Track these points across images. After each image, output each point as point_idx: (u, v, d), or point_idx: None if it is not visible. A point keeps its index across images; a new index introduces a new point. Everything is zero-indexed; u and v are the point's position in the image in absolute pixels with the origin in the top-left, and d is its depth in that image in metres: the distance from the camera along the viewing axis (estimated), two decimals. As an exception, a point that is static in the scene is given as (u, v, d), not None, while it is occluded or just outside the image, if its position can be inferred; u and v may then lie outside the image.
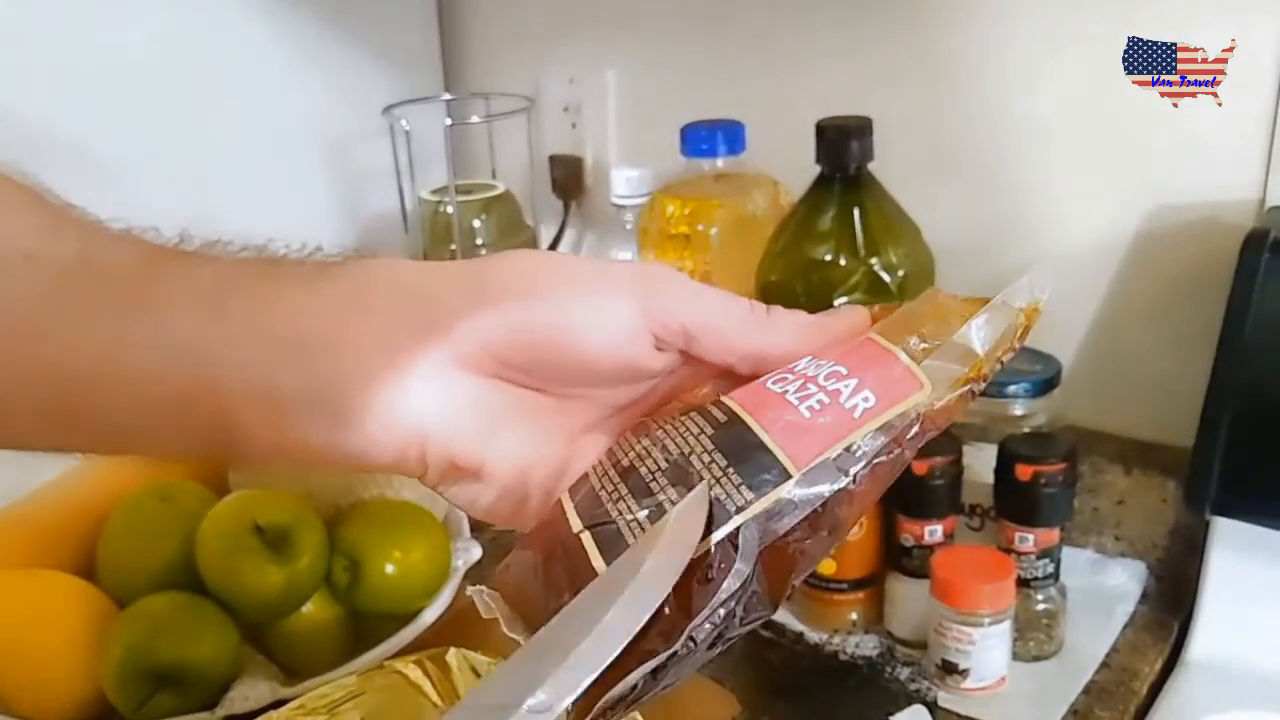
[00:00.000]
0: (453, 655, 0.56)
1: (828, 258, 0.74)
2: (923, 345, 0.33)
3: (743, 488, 0.31)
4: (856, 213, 0.74)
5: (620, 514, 0.32)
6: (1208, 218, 0.75)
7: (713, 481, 0.31)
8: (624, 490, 0.33)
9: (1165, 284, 0.78)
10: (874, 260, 0.74)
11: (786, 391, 0.32)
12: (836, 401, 0.32)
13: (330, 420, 0.32)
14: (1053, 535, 0.71)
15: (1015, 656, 0.71)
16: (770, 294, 0.75)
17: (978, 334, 0.33)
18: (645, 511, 0.31)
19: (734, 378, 0.35)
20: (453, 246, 0.98)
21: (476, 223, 0.99)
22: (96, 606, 0.67)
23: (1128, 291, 0.80)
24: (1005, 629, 0.69)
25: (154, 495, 0.71)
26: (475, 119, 1.06)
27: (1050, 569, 0.72)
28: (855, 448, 0.31)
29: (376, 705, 0.55)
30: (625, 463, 0.34)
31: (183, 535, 0.68)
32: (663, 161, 0.90)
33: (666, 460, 0.33)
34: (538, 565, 0.33)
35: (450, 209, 0.97)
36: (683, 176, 0.87)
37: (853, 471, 0.31)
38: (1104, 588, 0.79)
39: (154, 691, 0.62)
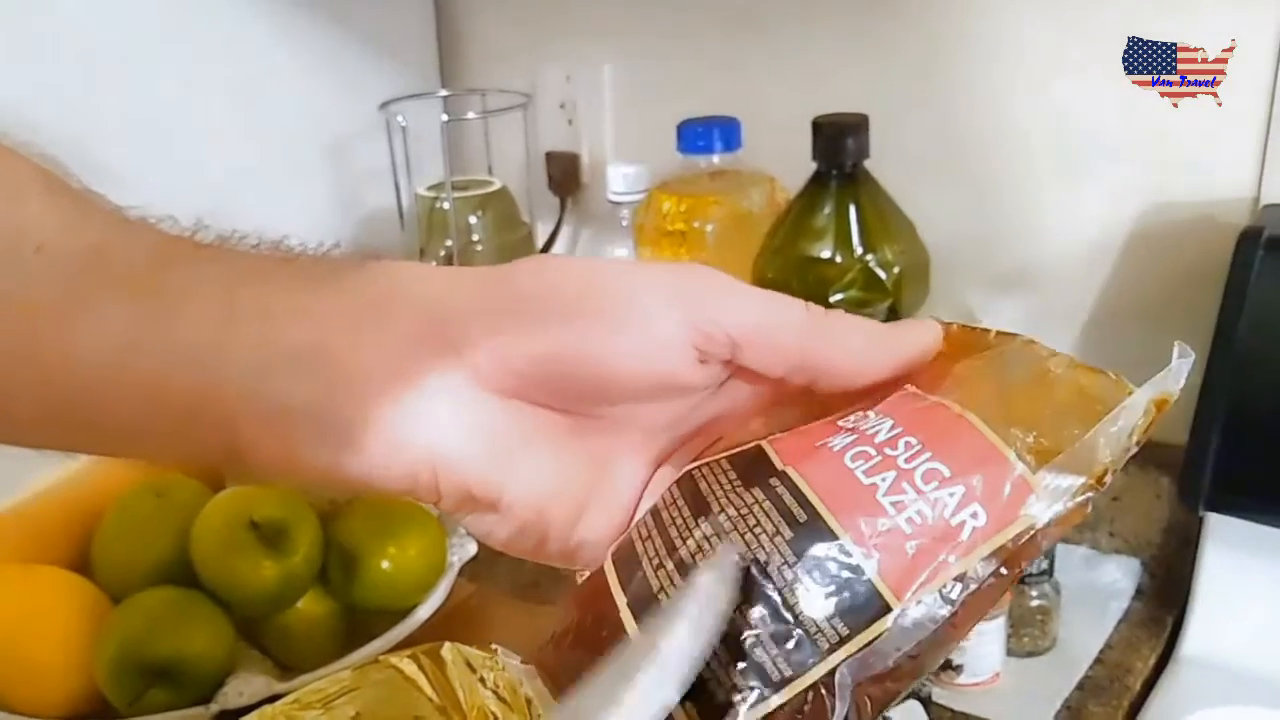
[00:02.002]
0: (448, 650, 0.56)
1: (824, 254, 0.74)
2: (1036, 439, 0.28)
3: (835, 620, 0.26)
4: (852, 209, 0.75)
5: None
6: (1202, 215, 0.75)
7: (799, 606, 0.27)
8: None
9: (1160, 281, 0.78)
10: (870, 257, 0.74)
11: (877, 487, 0.28)
12: (940, 516, 0.27)
13: (335, 438, 0.30)
14: (1047, 532, 0.71)
15: (1009, 652, 0.71)
16: (766, 291, 0.75)
17: (1106, 440, 0.28)
18: (721, 642, 0.27)
19: (787, 408, 0.32)
20: (449, 242, 0.98)
21: (473, 219, 0.99)
22: (91, 602, 0.67)
23: (1122, 289, 0.80)
24: (999, 625, 0.69)
25: (149, 491, 0.71)
26: (471, 115, 1.06)
27: (1044, 565, 0.72)
28: (965, 578, 0.27)
29: (371, 699, 0.55)
30: (684, 555, 0.29)
31: (178, 531, 0.68)
32: (659, 158, 0.90)
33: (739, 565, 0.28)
34: (583, 661, 0.29)
35: (446, 205, 0.97)
36: (679, 173, 0.87)
37: (959, 599, 0.27)
38: (1098, 584, 0.79)
39: (149, 686, 0.62)
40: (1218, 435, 0.67)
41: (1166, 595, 0.77)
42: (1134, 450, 0.28)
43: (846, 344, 0.31)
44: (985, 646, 0.68)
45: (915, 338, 0.31)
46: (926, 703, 0.68)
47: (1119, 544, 0.81)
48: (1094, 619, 0.76)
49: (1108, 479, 0.28)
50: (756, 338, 0.30)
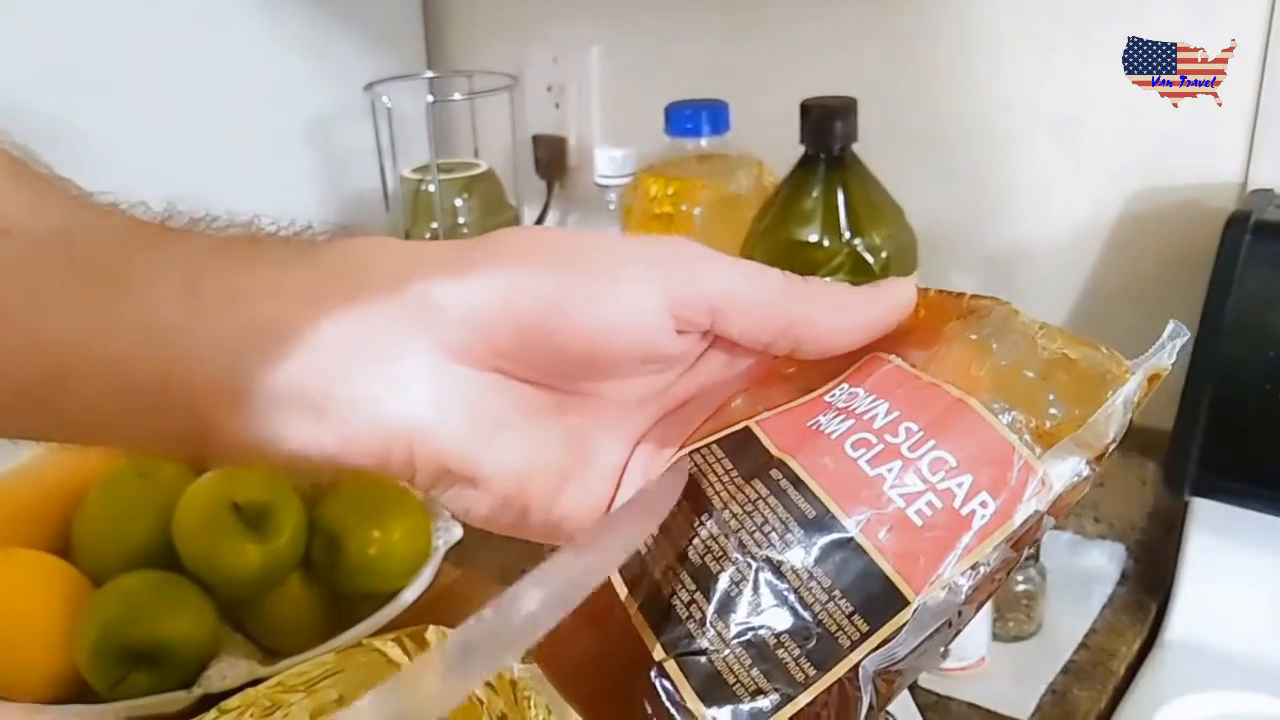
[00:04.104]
0: (432, 633, 0.56)
1: (811, 238, 0.74)
2: (1038, 424, 0.28)
3: (855, 617, 0.26)
4: (840, 193, 0.74)
5: (711, 644, 0.27)
6: (1190, 200, 0.75)
7: (816, 605, 0.27)
8: (703, 602, 0.28)
9: (1147, 266, 0.78)
10: (857, 241, 0.74)
11: (883, 479, 0.27)
12: (950, 506, 0.27)
13: (305, 415, 0.30)
14: (1033, 516, 0.71)
15: (995, 637, 0.71)
16: (753, 274, 0.75)
17: (1107, 420, 0.28)
18: (741, 646, 0.27)
19: (765, 383, 0.32)
20: (434, 225, 0.97)
21: (459, 202, 0.98)
22: (72, 585, 0.66)
23: (1110, 274, 0.80)
24: (985, 609, 0.69)
25: (131, 473, 0.70)
26: (458, 97, 1.05)
27: (1030, 550, 0.72)
28: (978, 565, 0.27)
29: (355, 682, 0.54)
30: (693, 559, 0.28)
31: (160, 513, 0.68)
32: (646, 141, 0.89)
33: (750, 568, 0.27)
34: (588, 656, 0.29)
35: (432, 188, 0.97)
36: (666, 156, 0.86)
37: (971, 585, 0.27)
38: (1083, 569, 0.79)
39: (130, 670, 0.62)
40: (1203, 420, 0.67)
41: (1151, 580, 0.78)
42: (1128, 425, 0.28)
43: (827, 306, 0.31)
44: (971, 631, 0.68)
45: (893, 296, 0.31)
46: (913, 687, 0.68)
47: (1104, 529, 0.81)
48: (1079, 604, 0.76)
49: (1106, 457, 0.28)
50: (737, 304, 0.30)
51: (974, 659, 0.69)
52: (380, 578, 0.70)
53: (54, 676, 0.64)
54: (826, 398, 0.30)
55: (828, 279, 0.32)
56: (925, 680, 0.69)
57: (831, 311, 0.31)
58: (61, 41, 0.84)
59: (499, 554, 0.80)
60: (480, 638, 0.25)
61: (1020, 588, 0.72)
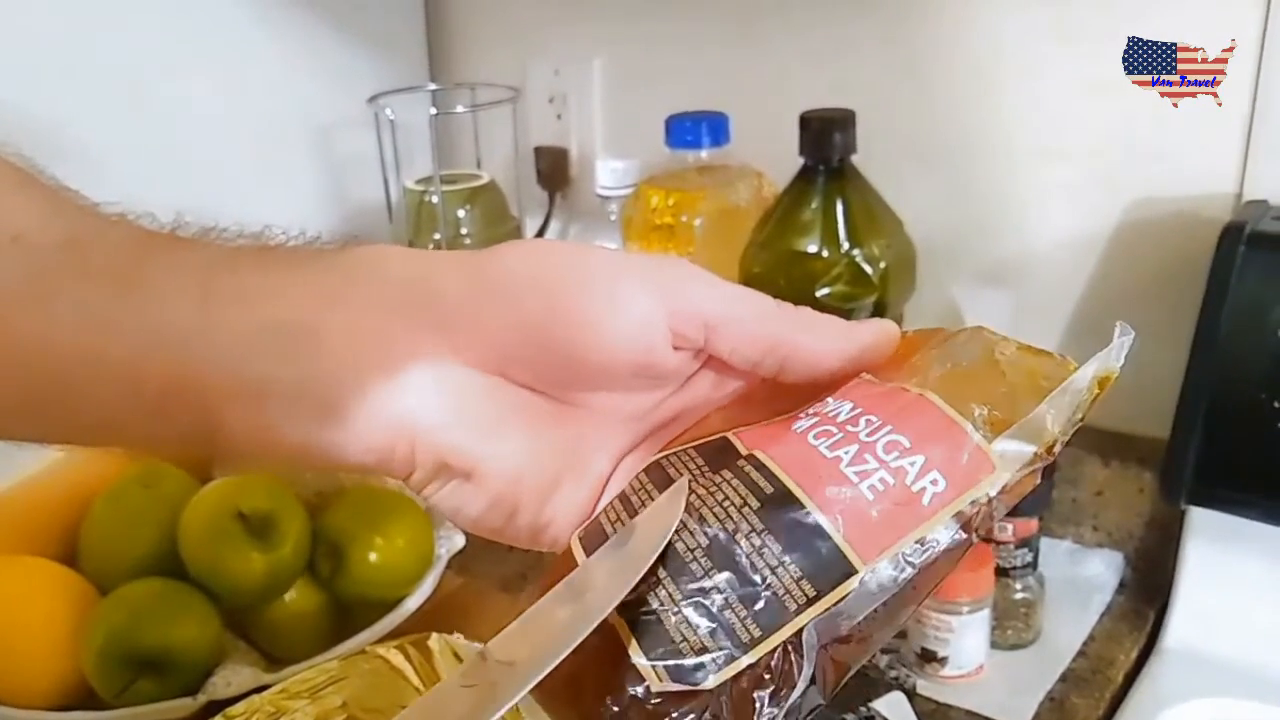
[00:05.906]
0: (435, 640, 0.57)
1: (810, 249, 0.75)
2: (990, 413, 0.29)
3: (803, 582, 0.27)
4: (839, 204, 0.75)
5: (661, 604, 0.28)
6: (1185, 211, 0.76)
7: (766, 570, 0.28)
8: (657, 566, 0.29)
9: (1143, 277, 0.79)
10: (856, 252, 0.74)
11: (840, 460, 0.29)
12: (902, 483, 0.28)
13: (314, 413, 0.31)
14: (1031, 525, 0.72)
15: (993, 645, 0.72)
16: (753, 285, 0.75)
17: (1055, 412, 0.29)
18: (690, 607, 0.28)
19: (747, 406, 0.33)
20: (437, 236, 0.98)
21: (461, 213, 0.99)
22: (79, 593, 0.67)
23: (1106, 284, 0.80)
24: (984, 617, 0.69)
25: (137, 482, 0.71)
26: (460, 109, 1.06)
27: (1029, 558, 0.73)
28: (927, 541, 0.28)
29: (359, 689, 0.55)
30: None
31: (165, 522, 0.68)
32: (647, 153, 0.90)
33: (706, 536, 0.29)
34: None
35: (435, 199, 0.97)
36: (667, 168, 0.87)
37: (920, 563, 0.28)
38: (1081, 577, 0.79)
39: (136, 677, 0.62)
40: (1199, 429, 0.67)
41: (1149, 588, 0.78)
42: (1079, 424, 0.30)
43: (814, 329, 0.32)
44: (969, 639, 0.69)
45: (876, 327, 0.33)
46: (911, 695, 0.68)
47: (1102, 538, 0.82)
48: (1077, 612, 0.76)
49: (1056, 449, 0.29)
50: (730, 320, 0.32)
51: (972, 667, 0.70)
52: (383, 585, 0.71)
53: (60, 683, 0.64)
54: (801, 414, 0.32)
55: (828, 307, 0.33)
56: (924, 688, 0.69)
57: (818, 335, 0.32)
58: (64, 53, 0.85)
59: (501, 562, 0.81)
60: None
61: (1019, 596, 0.73)
